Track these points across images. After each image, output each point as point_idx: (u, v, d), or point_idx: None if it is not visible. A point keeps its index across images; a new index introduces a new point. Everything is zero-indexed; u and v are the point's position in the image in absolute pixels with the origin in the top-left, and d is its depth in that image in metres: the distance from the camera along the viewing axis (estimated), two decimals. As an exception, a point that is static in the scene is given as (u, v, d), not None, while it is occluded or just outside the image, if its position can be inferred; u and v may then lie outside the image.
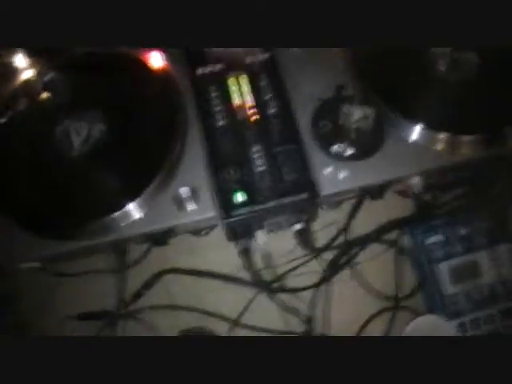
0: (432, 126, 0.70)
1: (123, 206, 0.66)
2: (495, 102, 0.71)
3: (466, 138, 0.70)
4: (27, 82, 0.76)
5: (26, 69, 0.77)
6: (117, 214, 0.66)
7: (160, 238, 0.69)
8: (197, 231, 0.74)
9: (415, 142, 0.70)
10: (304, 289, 0.73)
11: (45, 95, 0.74)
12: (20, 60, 0.76)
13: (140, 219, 0.67)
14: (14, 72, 0.76)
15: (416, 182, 0.70)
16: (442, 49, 0.74)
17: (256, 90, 0.73)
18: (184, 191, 0.67)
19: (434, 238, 0.74)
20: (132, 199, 0.66)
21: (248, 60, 0.76)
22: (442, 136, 0.70)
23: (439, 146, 0.70)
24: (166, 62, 0.76)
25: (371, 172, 0.68)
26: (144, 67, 0.76)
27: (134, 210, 0.67)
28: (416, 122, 0.70)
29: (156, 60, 0.76)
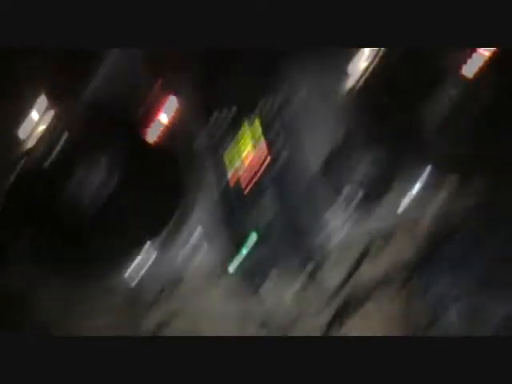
0: (441, 167, 0.71)
1: (139, 247, 0.68)
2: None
3: (476, 180, 0.71)
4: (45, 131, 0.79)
5: (42, 118, 0.80)
6: (133, 255, 0.68)
7: (175, 278, 0.70)
8: (211, 271, 0.75)
9: (425, 184, 0.71)
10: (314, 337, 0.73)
11: (62, 144, 0.76)
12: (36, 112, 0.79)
13: (155, 260, 0.68)
14: (33, 121, 0.79)
15: (426, 222, 0.71)
16: (451, 89, 0.76)
17: (270, 134, 0.76)
18: (198, 233, 0.69)
19: (445, 278, 0.74)
20: (147, 241, 0.68)
21: (262, 103, 0.78)
22: (451, 177, 0.71)
23: (448, 188, 0.71)
24: (179, 108, 0.78)
25: (382, 213, 0.70)
26: (155, 117, 0.78)
27: (149, 251, 0.68)
28: (426, 164, 0.71)
29: (171, 105, 0.78)
